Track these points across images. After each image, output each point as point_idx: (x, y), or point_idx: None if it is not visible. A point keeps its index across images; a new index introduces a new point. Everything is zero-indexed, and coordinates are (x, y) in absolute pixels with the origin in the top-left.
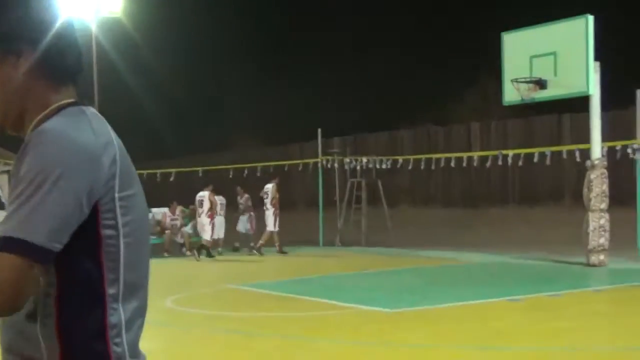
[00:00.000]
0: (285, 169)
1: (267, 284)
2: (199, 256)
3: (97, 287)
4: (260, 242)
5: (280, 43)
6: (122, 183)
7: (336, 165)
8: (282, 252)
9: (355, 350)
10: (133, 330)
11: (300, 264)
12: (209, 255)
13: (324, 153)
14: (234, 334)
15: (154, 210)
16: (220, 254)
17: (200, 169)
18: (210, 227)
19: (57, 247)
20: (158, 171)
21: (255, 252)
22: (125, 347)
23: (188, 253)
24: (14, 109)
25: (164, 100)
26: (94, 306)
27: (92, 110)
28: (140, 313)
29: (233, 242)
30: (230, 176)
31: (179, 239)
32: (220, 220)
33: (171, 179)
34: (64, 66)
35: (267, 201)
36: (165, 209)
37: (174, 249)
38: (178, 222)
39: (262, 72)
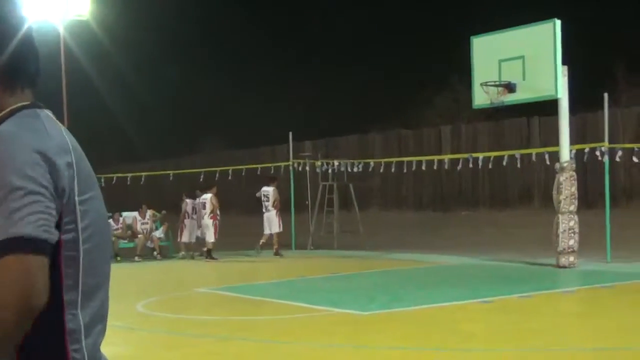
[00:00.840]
0: (258, 172)
1: (239, 287)
2: (207, 258)
3: (55, 293)
4: (262, 241)
5: (252, 46)
6: (81, 186)
7: (308, 168)
8: (278, 254)
9: (329, 353)
10: (92, 335)
11: (272, 267)
12: (211, 257)
13: (295, 156)
14: (205, 338)
15: (125, 214)
16: (192, 257)
17: (171, 172)
18: (213, 229)
19: (49, 236)
20: (128, 175)
21: (256, 251)
22: (85, 353)
23: (159, 257)
24: None
25: (134, 103)
26: (52, 313)
27: (46, 113)
28: (100, 318)
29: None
30: (202, 179)
31: (150, 244)
32: (192, 223)
33: (142, 182)
34: (20, 71)
35: (269, 204)
36: (135, 213)
37: (145, 254)
38: (148, 226)
39: (233, 74)
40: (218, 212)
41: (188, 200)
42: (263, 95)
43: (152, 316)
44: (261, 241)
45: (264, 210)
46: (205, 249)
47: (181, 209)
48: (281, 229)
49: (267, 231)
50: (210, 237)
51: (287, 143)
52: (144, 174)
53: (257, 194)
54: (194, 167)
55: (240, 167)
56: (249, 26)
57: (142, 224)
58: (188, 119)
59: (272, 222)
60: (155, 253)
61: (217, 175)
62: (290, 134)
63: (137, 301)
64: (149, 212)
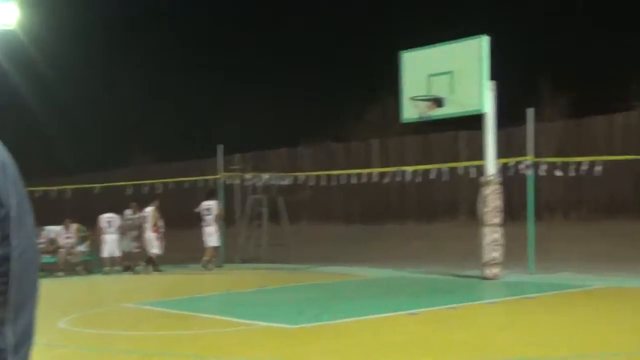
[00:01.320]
0: (186, 185)
1: (166, 302)
2: (152, 269)
3: None
4: (205, 258)
5: (180, 59)
6: (14, 200)
7: (237, 181)
8: (208, 267)
9: None
10: (21, 354)
11: (201, 282)
12: (157, 269)
13: (225, 170)
14: (131, 354)
15: (48, 228)
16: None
17: (97, 185)
18: (157, 241)
19: None
20: (54, 188)
21: (206, 267)
22: None
23: (82, 272)
24: None
25: (61, 115)
26: None
27: None
28: (28, 336)
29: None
30: (130, 193)
31: (73, 258)
32: (114, 237)
33: (67, 196)
34: None
35: (210, 218)
36: (60, 227)
37: (68, 268)
38: (72, 241)
39: (160, 88)
40: (161, 224)
41: (104, 216)
42: (192, 108)
43: (75, 332)
44: (205, 258)
45: (204, 224)
46: (144, 261)
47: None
48: (219, 244)
49: (209, 244)
50: (155, 249)
51: (215, 157)
52: (69, 187)
53: (197, 209)
54: (122, 180)
55: (170, 180)
56: (178, 38)
57: (66, 237)
58: (117, 132)
59: (212, 236)
60: (78, 268)
61: (147, 189)
62: (220, 147)
63: (60, 318)
64: (74, 227)
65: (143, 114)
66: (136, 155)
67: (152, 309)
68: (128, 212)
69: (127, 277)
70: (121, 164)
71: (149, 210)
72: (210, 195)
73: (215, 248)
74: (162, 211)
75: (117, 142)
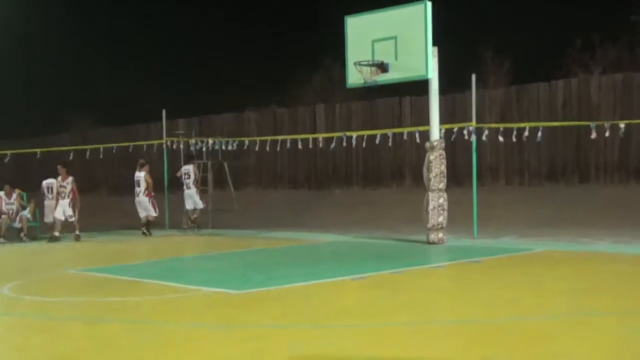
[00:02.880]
0: (130, 150)
1: (111, 268)
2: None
3: None
4: (195, 216)
5: (122, 22)
6: None
7: (182, 147)
8: (194, 227)
9: (201, 333)
10: None
11: (146, 247)
12: (149, 232)
13: (169, 134)
14: (75, 320)
15: None
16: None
17: (38, 150)
18: (151, 205)
19: None
20: None
21: (192, 230)
22: None
23: (25, 239)
24: None
25: None
26: None
27: None
28: None
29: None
30: (71, 158)
31: (17, 224)
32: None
33: (6, 160)
34: None
35: (190, 181)
36: (1, 193)
37: (11, 235)
38: (15, 207)
39: (102, 50)
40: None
41: (44, 182)
42: (135, 72)
43: (17, 299)
44: (194, 216)
45: (185, 188)
46: (144, 225)
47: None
48: (203, 206)
49: (190, 207)
50: (151, 212)
51: (160, 121)
52: (8, 152)
53: (178, 173)
54: (62, 145)
55: (112, 145)
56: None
57: (7, 204)
58: (55, 96)
59: (195, 199)
60: (22, 234)
61: (88, 153)
62: (164, 111)
63: (2, 284)
64: (16, 192)
65: (83, 78)
66: (76, 120)
67: (95, 275)
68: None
69: (70, 243)
70: (60, 129)
71: (142, 175)
72: (189, 159)
73: (198, 210)
74: (105, 177)
75: (56, 106)
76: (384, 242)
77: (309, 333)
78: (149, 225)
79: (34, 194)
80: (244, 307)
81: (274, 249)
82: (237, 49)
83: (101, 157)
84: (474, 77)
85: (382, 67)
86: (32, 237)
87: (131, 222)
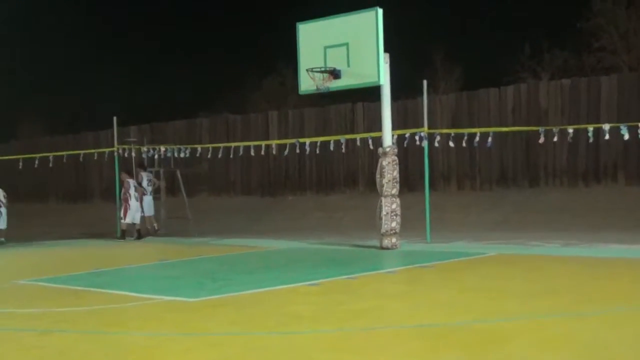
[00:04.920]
0: (80, 158)
1: (61, 278)
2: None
3: None
4: (157, 225)
5: (72, 27)
6: None
7: (133, 154)
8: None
9: (156, 341)
10: None
11: (98, 256)
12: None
13: (120, 142)
14: (26, 332)
15: None
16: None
17: None
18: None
19: None
20: None
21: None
22: None
23: None
24: None
25: None
26: None
27: None
28: None
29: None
30: (20, 167)
31: None
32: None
33: None
34: None
35: (150, 189)
36: None
37: None
38: None
39: (49, 57)
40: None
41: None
42: (85, 80)
43: None
44: (155, 226)
45: (149, 194)
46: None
47: None
48: (153, 213)
49: (149, 214)
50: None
51: (111, 128)
52: None
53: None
54: (10, 153)
55: (62, 153)
56: (65, 6)
57: None
58: (4, 104)
59: (151, 206)
60: None
61: (37, 162)
62: (115, 118)
63: None
64: None
65: (31, 86)
66: (24, 129)
67: (47, 285)
68: None
69: (19, 252)
70: (7, 137)
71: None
72: (141, 167)
73: (151, 217)
74: (55, 185)
75: (4, 114)
76: (338, 248)
77: (263, 340)
78: (124, 232)
79: None
80: (198, 315)
81: (228, 256)
82: (188, 54)
83: (51, 165)
84: (425, 83)
85: (335, 74)
86: None
87: (84, 230)
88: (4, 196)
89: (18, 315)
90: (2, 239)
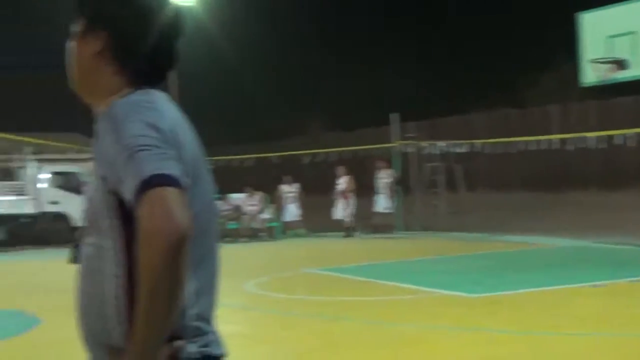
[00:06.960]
0: (361, 154)
1: (345, 268)
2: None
3: None
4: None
5: (353, 27)
6: (189, 166)
7: (413, 150)
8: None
9: (436, 334)
10: (197, 307)
11: (378, 249)
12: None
13: (403, 138)
14: (314, 318)
15: (233, 196)
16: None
17: (275, 154)
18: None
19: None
20: (235, 157)
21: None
22: (186, 321)
23: (266, 237)
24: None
25: (238, 86)
26: None
27: (162, 94)
28: (206, 291)
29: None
30: (307, 162)
31: (257, 224)
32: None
33: (249, 164)
34: (135, 52)
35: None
36: (244, 195)
37: (251, 234)
38: (257, 208)
39: (332, 56)
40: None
41: (284, 185)
42: (368, 76)
43: (260, 295)
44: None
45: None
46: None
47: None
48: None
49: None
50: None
51: (388, 125)
52: (251, 156)
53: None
54: (296, 149)
55: (345, 148)
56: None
57: (250, 205)
58: (293, 100)
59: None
60: (261, 234)
61: (320, 157)
62: (396, 115)
63: (245, 281)
64: (259, 195)
65: (319, 82)
66: (310, 124)
67: (332, 275)
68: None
69: (307, 242)
70: (297, 132)
71: (346, 179)
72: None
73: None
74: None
75: (293, 111)
76: (623, 248)
77: (543, 340)
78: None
79: (269, 195)
80: (478, 312)
81: (505, 253)
82: (464, 51)
83: (332, 160)
84: None
85: (620, 64)
86: (272, 236)
87: (363, 223)
88: (296, 189)
89: (305, 302)
90: (302, 230)
